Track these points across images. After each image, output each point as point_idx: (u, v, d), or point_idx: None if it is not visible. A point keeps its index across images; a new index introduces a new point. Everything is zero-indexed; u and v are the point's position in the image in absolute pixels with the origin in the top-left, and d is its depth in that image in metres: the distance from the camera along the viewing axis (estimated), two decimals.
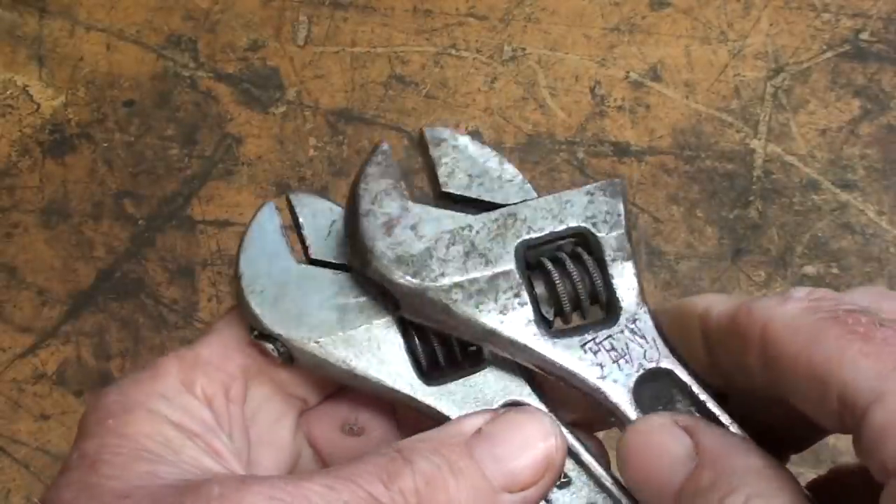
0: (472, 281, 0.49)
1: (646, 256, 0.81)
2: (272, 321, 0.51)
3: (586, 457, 0.52)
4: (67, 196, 0.84)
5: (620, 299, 0.50)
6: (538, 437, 0.50)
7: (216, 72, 0.86)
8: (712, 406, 0.51)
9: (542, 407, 0.52)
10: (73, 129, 0.85)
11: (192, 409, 0.51)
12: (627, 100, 0.84)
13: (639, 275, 0.51)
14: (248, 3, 0.87)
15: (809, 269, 0.80)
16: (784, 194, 0.81)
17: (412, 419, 0.59)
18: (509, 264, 0.50)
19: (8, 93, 0.86)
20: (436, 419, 0.52)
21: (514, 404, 0.52)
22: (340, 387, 0.56)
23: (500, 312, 0.49)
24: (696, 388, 0.51)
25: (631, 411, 0.50)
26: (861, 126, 0.82)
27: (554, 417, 0.50)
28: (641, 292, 0.51)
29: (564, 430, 0.51)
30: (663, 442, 0.49)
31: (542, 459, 0.50)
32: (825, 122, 0.82)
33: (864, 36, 0.84)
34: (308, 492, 0.45)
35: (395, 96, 0.84)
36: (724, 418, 0.51)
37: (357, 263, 0.49)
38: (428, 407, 0.52)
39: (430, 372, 0.53)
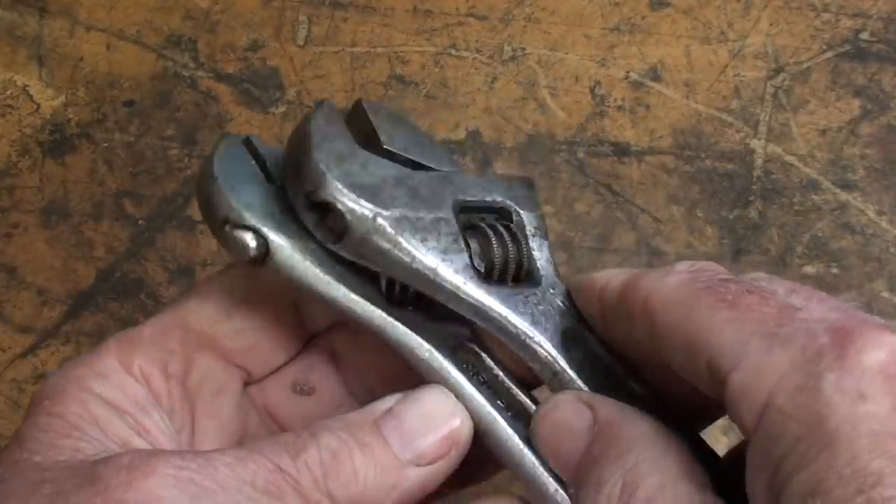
0: (419, 218, 0.50)
1: (646, 256, 0.81)
2: (252, 210, 0.51)
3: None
4: (67, 196, 0.84)
5: (541, 269, 0.53)
6: (444, 416, 0.52)
7: (216, 72, 0.86)
8: (622, 374, 0.53)
9: (484, 356, 0.53)
10: (73, 129, 0.85)
11: (125, 388, 0.52)
12: (627, 100, 0.84)
13: (553, 255, 0.53)
14: (248, 3, 0.87)
15: (809, 269, 0.80)
16: (784, 194, 0.81)
17: (358, 378, 0.61)
18: (448, 213, 0.51)
19: (8, 93, 0.86)
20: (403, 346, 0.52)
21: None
22: (287, 356, 0.56)
23: (443, 252, 0.50)
24: (605, 358, 0.53)
25: (563, 363, 0.52)
26: (861, 126, 0.82)
27: (454, 397, 0.52)
28: (556, 268, 0.53)
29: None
30: (566, 417, 0.52)
31: (447, 437, 0.52)
32: (825, 122, 0.82)
33: (864, 36, 0.84)
34: (217, 462, 0.47)
35: (395, 96, 0.84)
36: (637, 388, 0.53)
37: (308, 188, 0.49)
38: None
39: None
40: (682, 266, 0.50)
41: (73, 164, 0.84)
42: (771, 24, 0.85)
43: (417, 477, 0.51)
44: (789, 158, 0.82)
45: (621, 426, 0.49)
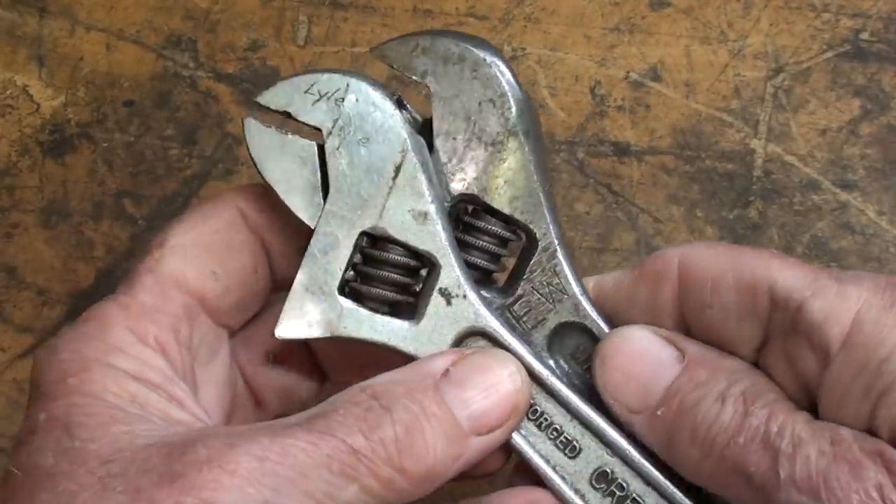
0: None
1: (646, 256, 0.81)
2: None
3: (594, 418, 0.54)
4: (67, 196, 0.84)
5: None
6: (505, 381, 0.52)
7: (216, 72, 0.86)
8: None
9: (510, 338, 0.54)
10: (73, 129, 0.85)
11: (148, 360, 0.51)
12: (627, 100, 0.84)
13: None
14: (248, 3, 0.87)
15: None
16: (784, 194, 0.81)
17: (328, 345, 0.60)
18: None
19: (8, 93, 0.86)
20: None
21: (477, 333, 0.53)
22: (260, 306, 0.56)
23: None
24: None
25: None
26: (861, 126, 0.82)
27: (518, 363, 0.52)
28: None
29: (551, 375, 0.54)
30: (647, 346, 0.53)
31: (509, 402, 0.52)
32: (825, 122, 0.82)
33: (864, 36, 0.84)
34: (293, 448, 0.46)
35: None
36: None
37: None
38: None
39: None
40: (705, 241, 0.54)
41: (73, 164, 0.84)
42: (771, 24, 0.85)
43: (479, 445, 0.51)
44: (789, 158, 0.82)
45: (720, 358, 0.52)
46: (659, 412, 0.51)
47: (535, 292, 0.57)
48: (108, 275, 0.82)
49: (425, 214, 0.53)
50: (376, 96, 0.54)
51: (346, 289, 0.55)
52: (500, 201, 0.56)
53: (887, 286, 0.49)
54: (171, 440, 0.47)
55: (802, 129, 0.83)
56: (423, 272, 0.56)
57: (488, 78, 0.56)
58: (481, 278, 0.57)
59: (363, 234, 0.54)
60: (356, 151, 0.53)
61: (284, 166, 0.54)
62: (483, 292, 0.56)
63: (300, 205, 0.54)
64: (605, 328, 0.56)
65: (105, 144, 0.85)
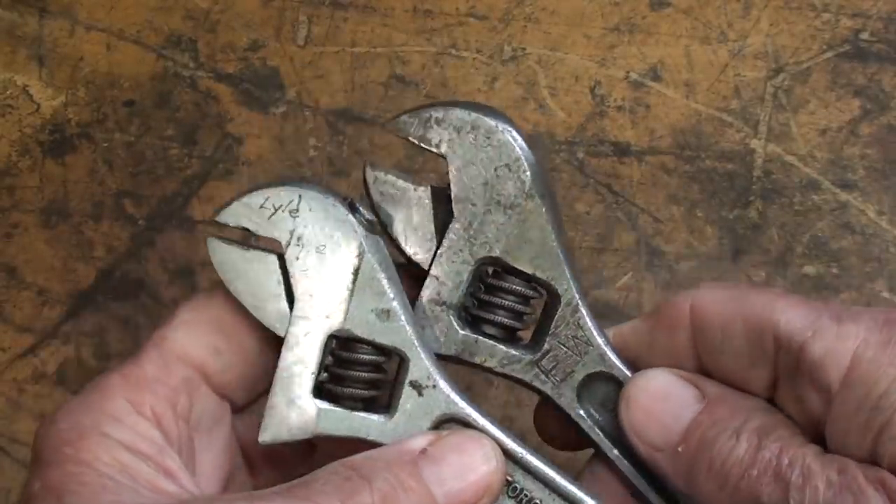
0: None
1: (646, 256, 0.81)
2: None
3: (574, 491, 0.56)
4: (67, 196, 0.84)
5: None
6: (479, 461, 0.55)
7: (216, 72, 0.86)
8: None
9: (484, 422, 0.56)
10: (73, 129, 0.85)
11: (142, 431, 0.53)
12: (627, 100, 0.84)
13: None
14: (248, 3, 0.87)
15: (809, 269, 0.80)
16: (784, 194, 0.81)
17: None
18: None
19: (8, 93, 0.86)
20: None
21: (451, 419, 0.56)
22: (266, 385, 0.57)
23: None
24: None
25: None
26: (861, 126, 0.82)
27: (494, 444, 0.54)
28: None
29: (527, 453, 0.56)
30: (669, 387, 0.56)
31: (483, 482, 0.54)
32: (825, 122, 0.82)
33: (864, 36, 0.84)
34: None
35: (396, 96, 0.84)
36: None
37: None
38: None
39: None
40: (708, 284, 0.57)
41: (73, 164, 0.84)
42: (771, 24, 0.85)
43: None
44: (789, 158, 0.82)
45: (739, 398, 0.55)
46: (680, 448, 0.54)
47: (561, 346, 0.60)
48: (108, 275, 0.82)
49: (388, 312, 0.56)
50: (328, 204, 0.56)
51: (321, 390, 0.57)
52: (522, 261, 0.59)
53: (885, 324, 0.51)
54: None
55: (802, 129, 0.83)
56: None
57: (502, 144, 0.58)
58: (508, 337, 0.60)
59: (331, 336, 0.56)
60: (315, 259, 0.56)
61: (250, 279, 0.56)
62: (511, 350, 0.60)
63: (269, 315, 0.56)
64: (629, 375, 0.59)
65: (105, 144, 0.85)
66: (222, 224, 0.56)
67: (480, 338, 0.59)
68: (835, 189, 0.81)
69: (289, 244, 0.55)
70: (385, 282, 0.56)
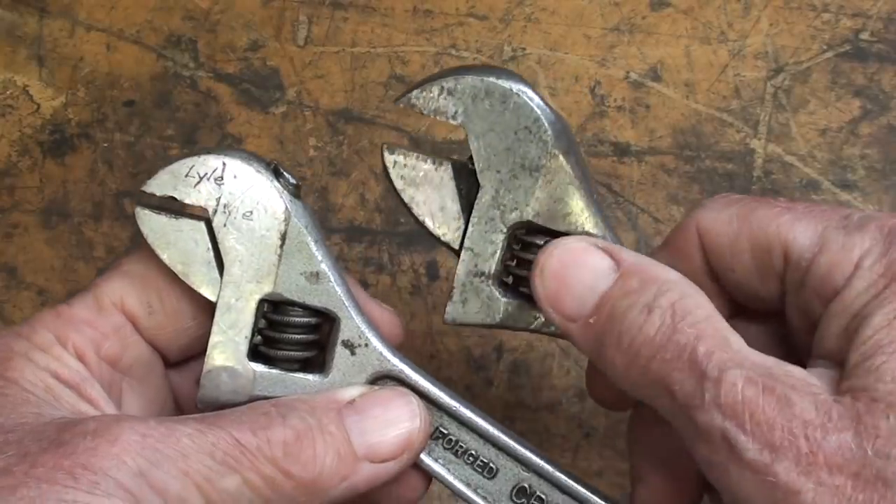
0: None
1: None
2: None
3: (506, 439, 0.58)
4: (67, 196, 0.84)
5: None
6: (404, 417, 0.56)
7: (216, 72, 0.86)
8: None
9: (417, 376, 0.58)
10: (73, 129, 0.85)
11: (66, 361, 0.55)
12: (627, 100, 0.84)
13: None
14: (248, 3, 0.87)
15: None
16: (784, 194, 0.81)
17: None
18: None
19: (8, 93, 0.86)
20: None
21: (385, 376, 0.57)
22: (202, 346, 0.59)
23: None
24: None
25: None
26: (861, 126, 0.82)
27: (421, 403, 0.56)
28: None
29: (460, 406, 0.58)
30: (583, 255, 0.55)
31: (404, 439, 0.55)
32: (825, 122, 0.82)
33: (864, 36, 0.84)
34: (179, 433, 0.49)
35: (396, 96, 0.85)
36: None
37: None
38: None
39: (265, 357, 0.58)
40: (719, 196, 0.56)
41: (73, 164, 0.84)
42: (771, 24, 0.85)
43: (368, 472, 0.54)
44: (789, 158, 0.82)
45: (654, 268, 0.54)
46: (591, 320, 0.53)
47: None
48: None
49: (317, 274, 0.57)
50: (252, 171, 0.56)
51: (257, 353, 0.58)
52: (554, 221, 0.58)
53: (889, 232, 0.50)
54: (71, 419, 0.50)
55: (802, 129, 0.83)
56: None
57: (519, 107, 0.57)
58: None
59: (262, 300, 0.57)
60: (242, 226, 0.56)
61: (179, 247, 0.57)
62: None
63: (199, 282, 0.57)
64: None
65: (105, 144, 0.85)
66: (150, 194, 0.57)
67: (523, 302, 0.59)
68: (835, 189, 0.81)
69: (216, 211, 0.56)
70: (313, 245, 0.57)
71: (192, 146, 0.84)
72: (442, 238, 0.59)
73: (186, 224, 0.57)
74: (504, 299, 0.59)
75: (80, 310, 0.57)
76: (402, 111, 0.84)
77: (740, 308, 0.59)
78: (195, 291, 0.58)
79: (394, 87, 0.85)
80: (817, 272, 0.52)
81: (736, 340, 0.50)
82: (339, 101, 0.85)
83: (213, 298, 0.57)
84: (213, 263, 0.57)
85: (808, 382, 0.48)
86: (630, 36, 0.85)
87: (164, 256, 0.57)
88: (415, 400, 0.56)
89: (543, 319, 0.59)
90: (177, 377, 0.62)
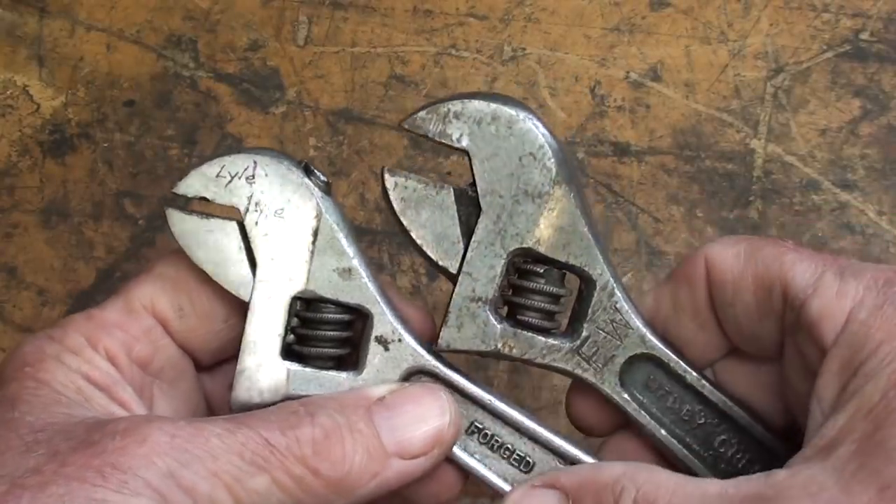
0: None
1: (646, 256, 0.81)
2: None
3: (541, 431, 0.58)
4: (67, 196, 0.84)
5: None
6: (434, 413, 0.56)
7: (216, 72, 0.86)
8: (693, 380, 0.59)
9: (450, 372, 0.57)
10: (73, 129, 0.85)
11: (97, 364, 0.55)
12: (627, 100, 0.84)
13: None
14: (248, 3, 0.87)
15: None
16: (784, 194, 0.81)
17: None
18: None
19: (8, 93, 0.86)
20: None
21: (419, 372, 0.58)
22: (234, 351, 0.59)
23: None
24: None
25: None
26: (861, 126, 0.82)
27: (451, 397, 0.56)
28: None
29: (495, 399, 0.58)
30: None
31: (434, 434, 0.55)
32: (825, 122, 0.82)
33: (864, 36, 0.84)
34: (208, 433, 0.50)
35: (395, 96, 0.85)
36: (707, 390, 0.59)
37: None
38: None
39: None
40: (729, 236, 0.56)
41: (73, 164, 0.84)
42: (771, 24, 0.85)
43: (399, 469, 0.54)
44: (789, 158, 0.82)
45: (598, 474, 0.53)
46: None
47: (600, 331, 0.59)
48: (108, 275, 0.82)
49: (349, 270, 0.57)
50: (283, 168, 0.56)
51: (290, 352, 0.58)
52: (554, 250, 0.58)
53: (885, 284, 0.51)
54: (101, 419, 0.50)
55: (802, 129, 0.83)
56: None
57: (524, 133, 0.57)
58: (546, 321, 0.60)
59: (295, 298, 0.57)
60: (274, 223, 0.56)
61: (211, 248, 0.57)
62: (550, 340, 0.59)
63: (231, 282, 0.57)
64: (672, 355, 0.59)
65: (105, 144, 0.85)
66: (181, 196, 0.57)
67: (519, 330, 0.59)
68: (835, 189, 0.81)
69: (247, 210, 0.56)
70: (344, 241, 0.56)
71: (192, 146, 0.84)
72: (440, 263, 0.58)
73: (217, 224, 0.57)
74: (500, 326, 0.59)
75: (111, 313, 0.57)
76: (402, 111, 0.84)
77: (736, 349, 0.59)
78: (226, 293, 0.57)
79: (394, 87, 0.85)
80: (809, 315, 0.52)
81: (711, 488, 0.49)
82: (339, 101, 0.85)
83: (245, 298, 0.57)
84: (246, 263, 0.57)
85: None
86: (630, 36, 0.85)
87: (196, 257, 0.56)
88: (444, 395, 0.56)
89: (537, 352, 0.59)
90: (209, 381, 0.62)
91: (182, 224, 0.57)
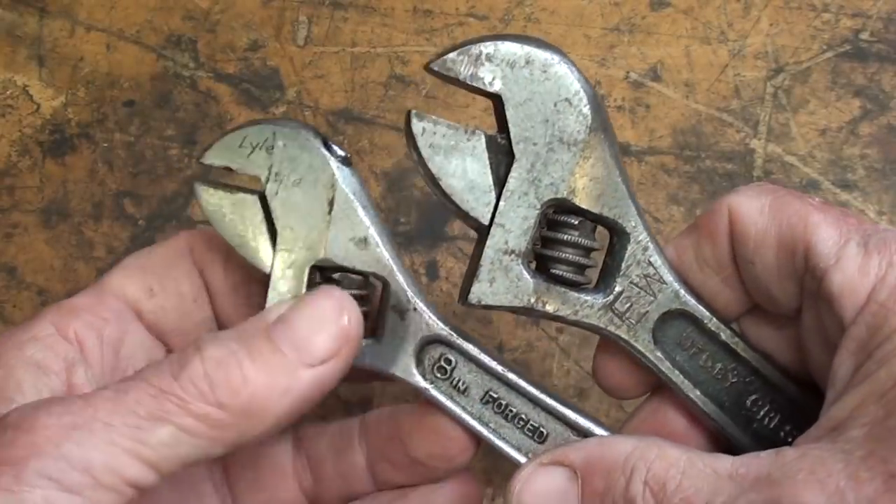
0: None
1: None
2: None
3: (554, 404, 0.59)
4: (67, 196, 0.84)
5: None
6: (332, 314, 0.54)
7: (216, 72, 0.86)
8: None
9: (464, 342, 0.58)
10: (73, 129, 0.85)
11: (56, 348, 0.55)
12: (627, 100, 0.84)
13: None
14: (248, 3, 0.87)
15: None
16: None
17: None
18: None
19: (8, 93, 0.86)
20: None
21: (434, 340, 0.58)
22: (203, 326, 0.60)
23: None
24: None
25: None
26: (861, 126, 0.82)
27: (348, 295, 0.55)
28: None
29: (507, 370, 0.58)
30: (541, 484, 0.53)
31: (338, 334, 0.54)
32: (825, 122, 0.82)
33: (864, 36, 0.84)
34: (97, 400, 0.48)
35: (395, 96, 0.84)
36: (739, 346, 0.58)
37: None
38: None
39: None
40: (755, 183, 0.55)
41: (73, 164, 0.84)
42: (771, 24, 0.85)
43: (312, 378, 0.52)
44: (789, 158, 0.82)
45: (608, 450, 0.52)
46: None
47: (633, 286, 0.57)
48: None
49: (365, 239, 0.57)
50: (302, 138, 0.57)
51: None
52: (589, 201, 0.56)
53: None
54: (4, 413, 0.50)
55: (802, 129, 0.83)
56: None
57: (560, 77, 0.55)
58: (578, 274, 0.58)
59: (314, 267, 0.57)
60: (292, 193, 0.57)
61: (234, 220, 0.58)
62: (583, 295, 0.57)
63: (252, 253, 0.58)
64: (706, 311, 0.57)
65: (105, 144, 0.85)
66: (207, 165, 0.58)
67: (552, 285, 0.57)
68: (835, 189, 0.81)
69: (268, 180, 0.57)
70: (360, 210, 0.57)
71: (192, 146, 0.84)
72: (470, 213, 0.56)
73: (241, 198, 0.58)
74: (532, 280, 0.56)
75: (81, 299, 0.58)
76: (402, 111, 0.84)
77: (758, 305, 0.58)
78: (194, 274, 0.59)
79: (394, 87, 0.85)
80: (830, 290, 0.51)
81: (721, 466, 0.48)
82: (339, 101, 0.85)
83: (266, 270, 0.57)
84: (266, 235, 0.57)
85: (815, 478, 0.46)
86: (630, 36, 0.85)
87: (221, 229, 0.58)
88: (338, 293, 0.54)
89: (569, 309, 0.57)
90: None
91: (209, 197, 0.58)
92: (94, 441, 0.47)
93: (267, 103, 0.85)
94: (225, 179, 0.59)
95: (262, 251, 0.57)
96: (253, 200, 0.57)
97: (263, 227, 0.57)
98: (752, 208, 0.54)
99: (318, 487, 0.63)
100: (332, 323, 0.53)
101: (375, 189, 0.82)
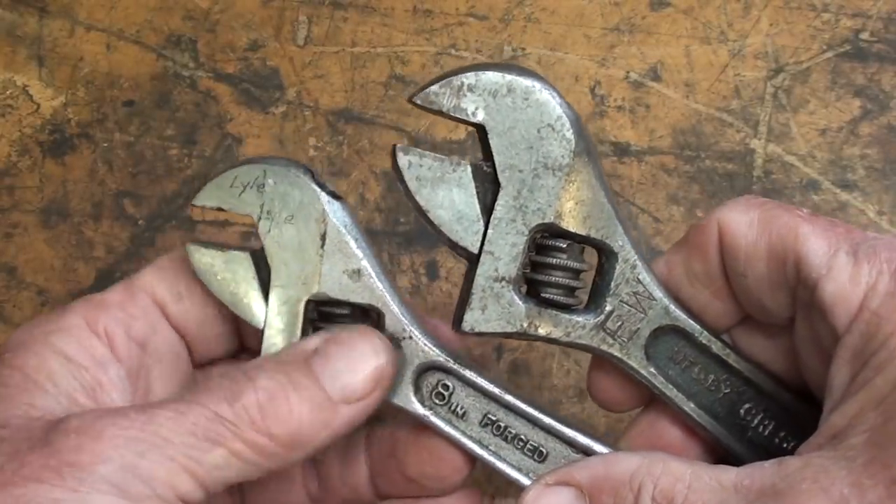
0: None
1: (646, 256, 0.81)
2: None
3: (553, 423, 0.59)
4: (67, 196, 0.84)
5: None
6: (369, 354, 0.56)
7: (216, 72, 0.86)
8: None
9: (460, 368, 0.59)
10: (73, 129, 0.85)
11: (87, 343, 0.56)
12: (627, 100, 0.84)
13: None
14: (248, 3, 0.87)
15: None
16: (784, 194, 0.81)
17: None
18: None
19: (8, 93, 0.86)
20: None
21: (430, 367, 0.59)
22: (225, 350, 0.62)
23: None
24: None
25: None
26: (861, 126, 0.82)
27: (383, 337, 0.57)
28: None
29: (505, 392, 0.58)
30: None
31: (374, 374, 0.56)
32: (825, 122, 0.82)
33: (864, 36, 0.84)
34: (159, 417, 0.51)
35: (395, 96, 0.85)
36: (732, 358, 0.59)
37: None
38: None
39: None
40: (741, 199, 0.55)
41: (73, 164, 0.84)
42: (771, 24, 0.85)
43: (349, 414, 0.55)
44: (789, 158, 0.82)
45: (614, 468, 0.53)
46: None
47: (624, 305, 0.58)
48: (108, 275, 0.82)
49: (359, 271, 0.58)
50: (292, 175, 0.58)
51: None
52: (575, 223, 0.57)
53: None
54: (58, 415, 0.51)
55: (802, 129, 0.83)
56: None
57: (542, 103, 0.56)
58: (568, 297, 0.59)
59: (310, 301, 0.58)
60: (285, 229, 0.58)
61: (226, 278, 0.59)
62: (574, 317, 0.58)
63: (244, 310, 0.59)
64: (696, 325, 0.58)
65: (105, 144, 0.85)
66: (200, 206, 0.59)
67: (543, 308, 0.58)
68: (835, 189, 0.81)
69: (260, 218, 0.58)
70: (352, 243, 0.57)
71: (192, 146, 0.84)
72: (459, 243, 0.57)
73: (233, 255, 0.59)
74: (525, 305, 0.57)
75: (112, 294, 0.59)
76: (402, 111, 0.84)
77: (749, 316, 0.59)
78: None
79: (394, 87, 0.85)
80: (822, 299, 0.51)
81: (726, 478, 0.49)
82: (338, 100, 0.85)
83: (258, 325, 0.58)
84: (260, 292, 0.58)
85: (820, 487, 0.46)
86: (630, 36, 0.85)
87: (213, 288, 0.59)
88: (375, 335, 0.56)
89: (562, 331, 0.58)
90: (201, 378, 0.63)
91: (200, 257, 0.58)
92: (157, 456, 0.49)
93: (267, 103, 0.85)
94: (216, 238, 0.59)
95: (254, 308, 0.58)
96: (244, 257, 0.58)
97: (256, 284, 0.58)
98: (742, 222, 0.55)
99: (325, 494, 0.65)
100: (369, 363, 0.55)
101: (375, 189, 0.82)
